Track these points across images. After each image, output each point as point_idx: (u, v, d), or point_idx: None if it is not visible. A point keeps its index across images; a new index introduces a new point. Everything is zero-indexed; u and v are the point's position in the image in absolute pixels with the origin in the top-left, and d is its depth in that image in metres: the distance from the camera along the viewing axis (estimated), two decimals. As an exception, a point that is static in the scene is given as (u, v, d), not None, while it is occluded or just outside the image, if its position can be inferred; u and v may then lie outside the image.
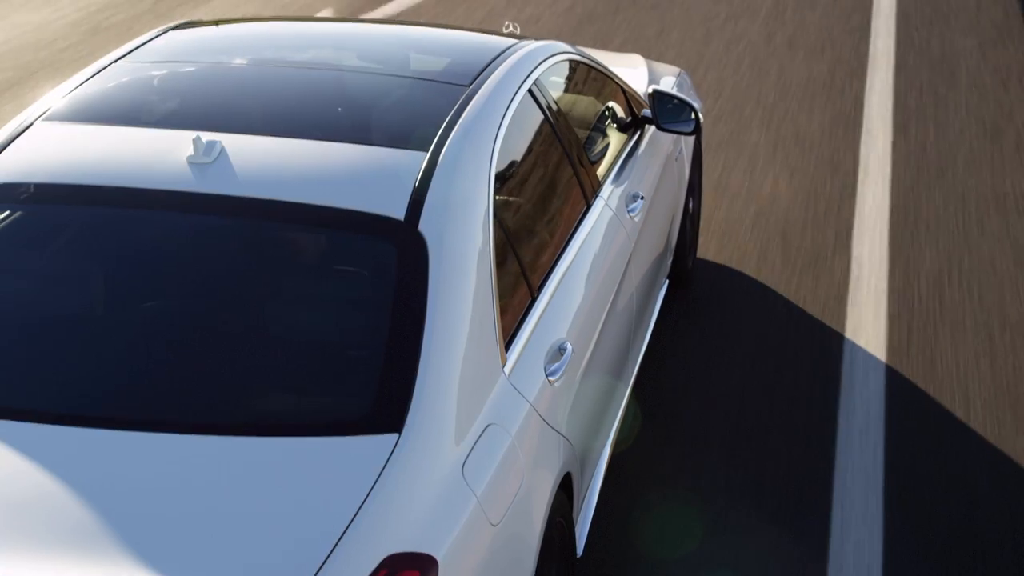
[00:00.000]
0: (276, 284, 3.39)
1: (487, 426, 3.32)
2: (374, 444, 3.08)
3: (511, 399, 3.48)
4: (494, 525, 3.18)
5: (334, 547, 2.84)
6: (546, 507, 3.44)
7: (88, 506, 2.90)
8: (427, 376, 3.23)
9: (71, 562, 2.77)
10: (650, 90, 5.27)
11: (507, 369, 3.52)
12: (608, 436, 4.52)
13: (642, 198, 4.92)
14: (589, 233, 4.38)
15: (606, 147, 4.93)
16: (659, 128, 5.27)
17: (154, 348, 3.25)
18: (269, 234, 3.48)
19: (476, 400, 3.32)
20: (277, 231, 3.48)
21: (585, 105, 4.97)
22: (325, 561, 2.81)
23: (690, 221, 6.23)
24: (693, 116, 5.24)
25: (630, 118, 5.26)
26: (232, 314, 3.32)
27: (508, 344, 3.59)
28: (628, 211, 4.77)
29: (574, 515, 3.96)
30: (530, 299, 3.82)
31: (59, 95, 4.06)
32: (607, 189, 4.70)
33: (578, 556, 4.11)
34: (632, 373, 4.91)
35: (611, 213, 4.62)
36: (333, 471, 3.00)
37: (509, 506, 3.27)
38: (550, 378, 3.69)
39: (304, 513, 2.90)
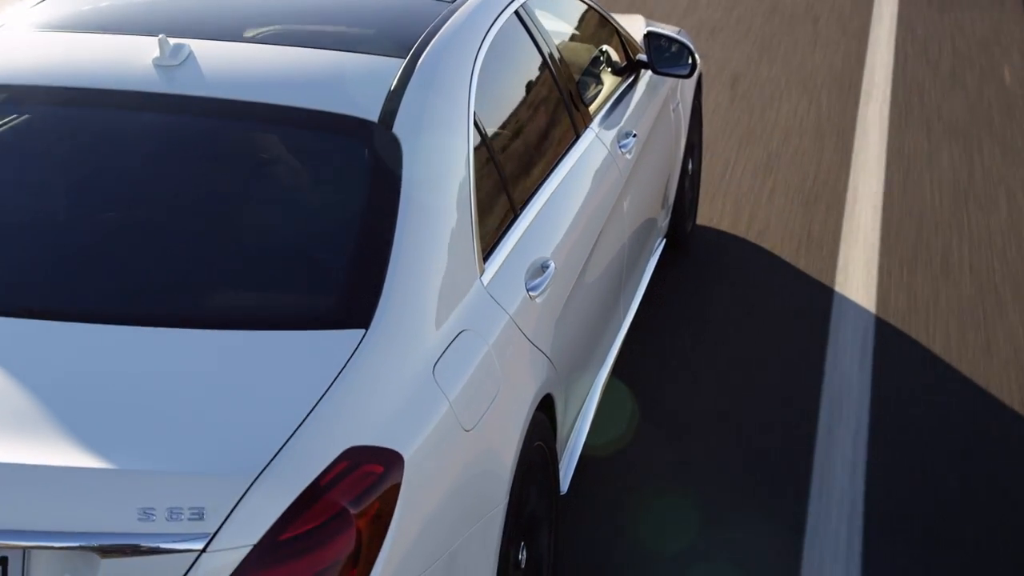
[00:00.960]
0: (245, 183, 3.27)
1: (461, 331, 3.18)
2: (339, 338, 2.95)
3: (488, 308, 3.33)
4: (467, 431, 3.03)
5: (291, 436, 2.70)
6: (524, 421, 3.28)
7: (54, 396, 2.78)
8: (396, 275, 3.10)
9: (33, 447, 2.64)
10: (645, 31, 5.13)
11: (485, 279, 3.38)
12: (597, 376, 4.36)
13: (635, 136, 4.76)
14: (578, 162, 4.24)
15: (600, 86, 4.79)
16: (655, 71, 5.11)
17: (125, 244, 3.15)
18: (236, 134, 3.36)
19: (449, 303, 3.19)
20: (246, 131, 3.36)
21: (579, 42, 4.82)
22: (281, 449, 2.67)
23: (689, 182, 6.07)
24: (689, 59, 5.09)
25: (625, 62, 5.10)
26: (201, 212, 3.21)
27: (487, 257, 3.45)
28: (620, 147, 4.62)
29: (557, 446, 3.79)
30: (512, 216, 3.69)
31: (21, 6, 3.93)
32: (598, 124, 4.55)
33: (562, 493, 3.94)
34: (625, 318, 4.75)
35: (602, 147, 4.47)
36: (296, 363, 2.87)
37: (484, 414, 3.12)
38: (531, 293, 3.55)
39: (264, 403, 2.76)
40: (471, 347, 3.19)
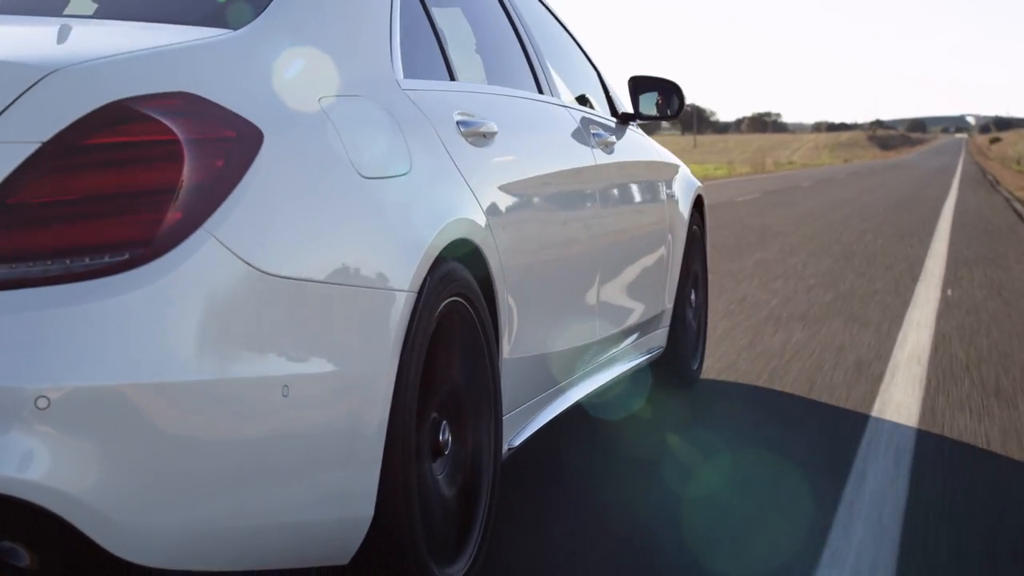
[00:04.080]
0: None
1: (362, 94, 2.73)
2: (200, 31, 2.55)
3: (403, 102, 2.89)
4: (364, 177, 2.55)
5: (110, 57, 2.26)
6: (434, 232, 2.71)
7: None
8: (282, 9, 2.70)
9: None
10: (630, 77, 4.77)
11: (404, 84, 2.95)
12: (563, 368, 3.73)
13: (611, 135, 4.29)
14: (538, 102, 3.86)
15: (577, 99, 4.38)
16: (638, 117, 4.72)
17: None
18: None
19: (346, 59, 2.76)
20: None
21: (562, 67, 4.43)
22: (93, 60, 2.23)
23: (694, 314, 5.49)
24: (676, 99, 4.69)
25: (610, 112, 4.69)
26: None
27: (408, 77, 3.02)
28: (593, 135, 4.14)
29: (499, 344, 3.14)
30: (448, 77, 3.29)
31: None
32: (569, 107, 4.11)
33: (511, 447, 3.27)
34: (600, 335, 4.11)
35: (572, 120, 4.04)
36: (149, 39, 2.48)
37: (387, 175, 2.64)
38: (461, 128, 3.07)
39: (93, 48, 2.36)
40: (375, 113, 2.73)
